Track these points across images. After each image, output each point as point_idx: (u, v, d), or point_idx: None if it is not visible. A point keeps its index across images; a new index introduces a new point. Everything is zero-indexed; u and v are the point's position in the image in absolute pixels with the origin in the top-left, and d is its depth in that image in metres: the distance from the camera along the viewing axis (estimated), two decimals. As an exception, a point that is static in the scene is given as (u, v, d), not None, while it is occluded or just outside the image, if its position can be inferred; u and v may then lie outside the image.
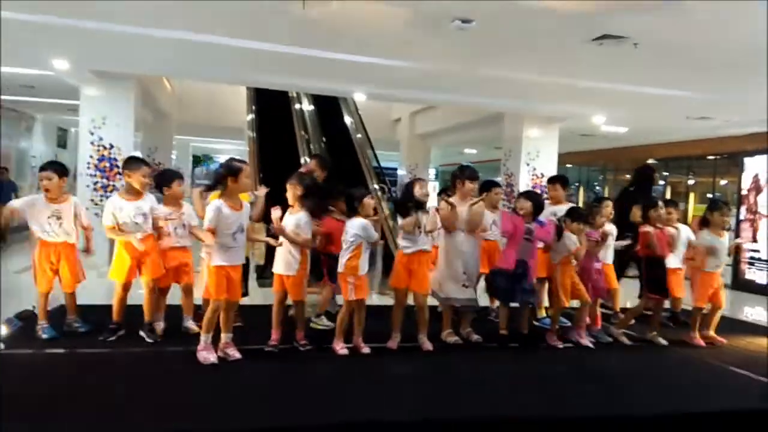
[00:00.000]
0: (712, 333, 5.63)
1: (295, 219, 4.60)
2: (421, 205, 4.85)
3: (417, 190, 4.86)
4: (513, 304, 5.31)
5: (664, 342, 5.47)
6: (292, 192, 4.67)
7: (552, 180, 6.54)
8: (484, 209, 5.23)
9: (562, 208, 5.79)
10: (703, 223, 5.67)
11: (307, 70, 7.40)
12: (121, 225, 4.59)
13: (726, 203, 6.22)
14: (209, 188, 4.54)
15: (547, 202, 6.15)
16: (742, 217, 9.66)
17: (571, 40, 5.32)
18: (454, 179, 5.26)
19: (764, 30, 4.67)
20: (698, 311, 5.57)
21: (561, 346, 5.19)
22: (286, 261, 4.60)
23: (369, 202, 4.66)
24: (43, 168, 4.63)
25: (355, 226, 4.58)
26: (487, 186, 5.73)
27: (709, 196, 11.74)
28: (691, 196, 12.27)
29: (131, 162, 4.87)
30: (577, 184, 15.80)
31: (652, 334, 5.53)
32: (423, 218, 4.79)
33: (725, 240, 5.64)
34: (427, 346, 4.84)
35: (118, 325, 4.67)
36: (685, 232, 5.92)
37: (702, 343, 5.52)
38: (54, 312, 4.75)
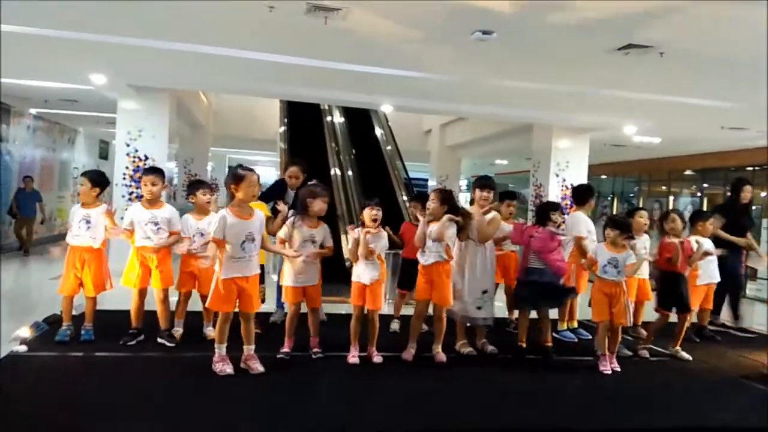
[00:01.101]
0: None
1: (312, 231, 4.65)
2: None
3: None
4: (532, 316, 5.25)
5: (687, 356, 5.34)
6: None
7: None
8: (499, 220, 5.24)
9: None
10: None
11: (337, 82, 7.51)
12: (136, 230, 4.75)
13: None
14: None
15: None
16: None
17: (597, 50, 5.25)
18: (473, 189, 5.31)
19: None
20: None
21: (609, 372, 4.81)
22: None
23: (368, 213, 4.68)
24: (83, 174, 4.91)
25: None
26: (501, 198, 5.76)
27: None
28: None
29: (144, 172, 5.06)
30: (611, 195, 15.50)
31: (674, 349, 5.40)
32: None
33: None
34: (441, 357, 4.82)
35: (137, 330, 4.82)
36: (706, 245, 5.73)
37: None
38: (80, 317, 4.92)
